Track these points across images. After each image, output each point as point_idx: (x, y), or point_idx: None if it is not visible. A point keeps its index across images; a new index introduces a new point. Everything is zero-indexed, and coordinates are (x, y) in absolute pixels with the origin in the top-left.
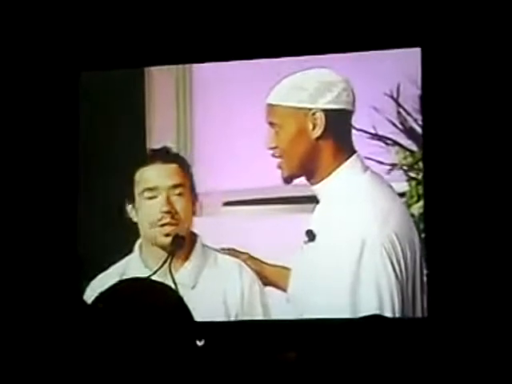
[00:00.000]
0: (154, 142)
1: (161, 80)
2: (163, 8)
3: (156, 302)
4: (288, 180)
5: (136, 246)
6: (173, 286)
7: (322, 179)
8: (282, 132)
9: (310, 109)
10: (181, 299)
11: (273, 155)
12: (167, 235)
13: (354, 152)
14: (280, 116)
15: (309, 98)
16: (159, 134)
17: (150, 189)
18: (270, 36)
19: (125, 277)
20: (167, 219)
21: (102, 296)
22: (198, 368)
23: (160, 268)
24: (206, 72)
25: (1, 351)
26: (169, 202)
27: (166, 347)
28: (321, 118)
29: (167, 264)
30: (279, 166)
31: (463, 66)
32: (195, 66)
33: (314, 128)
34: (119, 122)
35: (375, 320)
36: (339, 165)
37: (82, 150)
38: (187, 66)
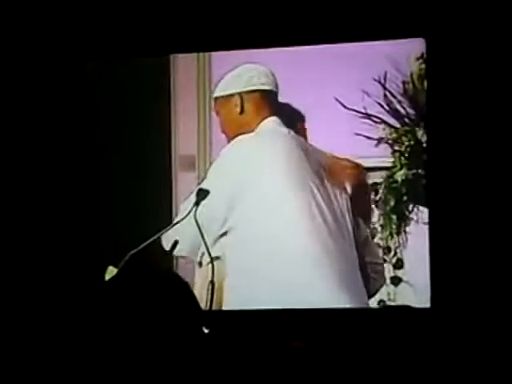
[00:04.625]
0: (177, 144)
1: (182, 69)
2: None
3: (162, 289)
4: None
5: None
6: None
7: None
8: (221, 116)
9: (233, 94)
10: (187, 286)
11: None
12: None
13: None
14: (220, 104)
15: (232, 86)
16: (182, 136)
17: None
18: (270, 26)
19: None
20: None
21: (108, 285)
22: (205, 356)
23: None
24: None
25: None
26: None
27: (172, 334)
28: (238, 99)
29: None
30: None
31: (468, 57)
32: (213, 54)
33: (236, 107)
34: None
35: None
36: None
37: (93, 141)
38: (206, 54)
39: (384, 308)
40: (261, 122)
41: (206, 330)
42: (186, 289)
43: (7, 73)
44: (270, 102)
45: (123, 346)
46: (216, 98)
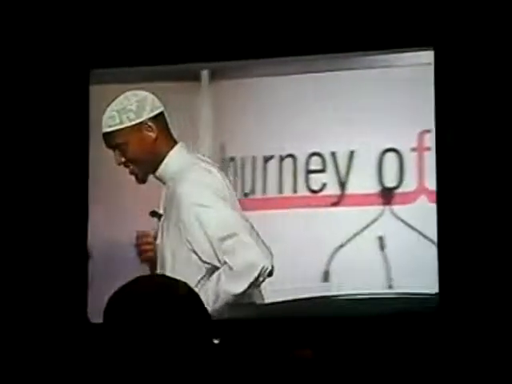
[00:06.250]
0: None
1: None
2: (174, 5)
3: (172, 299)
4: (145, 180)
5: None
6: None
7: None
8: (130, 146)
9: (141, 122)
10: (197, 296)
11: (125, 166)
12: None
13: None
14: (123, 136)
15: (136, 115)
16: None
17: None
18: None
19: None
20: None
21: (118, 294)
22: (215, 365)
23: None
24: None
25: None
26: None
27: (183, 345)
28: (151, 124)
29: None
30: (132, 173)
31: (476, 68)
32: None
33: (150, 133)
34: None
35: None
36: (169, 150)
37: (92, 150)
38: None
39: (390, 314)
40: (172, 146)
41: (216, 341)
42: (195, 299)
43: (8, 77)
44: (167, 123)
45: (131, 358)
46: (111, 132)
